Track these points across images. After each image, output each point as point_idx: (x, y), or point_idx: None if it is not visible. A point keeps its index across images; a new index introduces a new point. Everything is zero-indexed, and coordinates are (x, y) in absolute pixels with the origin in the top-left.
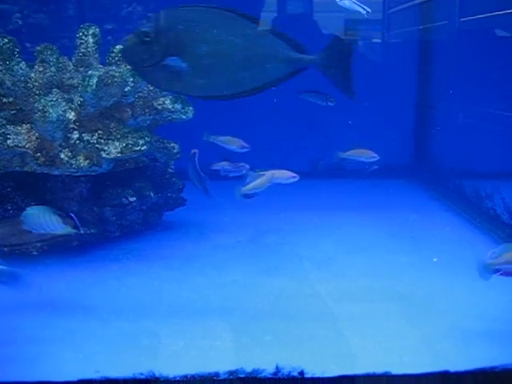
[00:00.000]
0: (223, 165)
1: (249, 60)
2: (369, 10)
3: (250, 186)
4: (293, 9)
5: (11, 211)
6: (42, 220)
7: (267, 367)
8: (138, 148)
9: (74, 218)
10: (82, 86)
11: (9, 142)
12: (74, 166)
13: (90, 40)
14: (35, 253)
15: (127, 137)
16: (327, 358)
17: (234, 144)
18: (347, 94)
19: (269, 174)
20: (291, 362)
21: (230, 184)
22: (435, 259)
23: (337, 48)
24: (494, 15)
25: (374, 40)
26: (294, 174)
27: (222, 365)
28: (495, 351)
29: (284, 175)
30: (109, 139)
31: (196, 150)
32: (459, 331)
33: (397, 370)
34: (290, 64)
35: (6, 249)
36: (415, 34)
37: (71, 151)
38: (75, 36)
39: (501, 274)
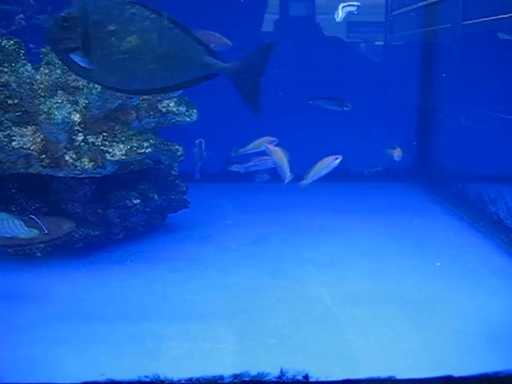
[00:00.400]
0: (238, 166)
1: (162, 59)
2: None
3: (309, 176)
4: (295, 11)
5: (15, 212)
6: (6, 224)
7: (272, 371)
8: (142, 150)
9: (36, 219)
10: (88, 88)
11: (14, 143)
12: (78, 167)
13: None
14: (39, 254)
15: (132, 139)
16: (331, 361)
17: (263, 144)
18: (251, 109)
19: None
20: (295, 365)
21: (233, 186)
22: (438, 263)
23: (251, 61)
24: (497, 19)
25: (377, 42)
26: (337, 156)
27: (226, 368)
28: (499, 356)
29: (330, 160)
30: (113, 141)
31: (202, 140)
32: (463, 335)
33: (401, 374)
34: (203, 68)
35: (10, 250)
36: (418, 36)
37: (76, 153)
38: None
39: None
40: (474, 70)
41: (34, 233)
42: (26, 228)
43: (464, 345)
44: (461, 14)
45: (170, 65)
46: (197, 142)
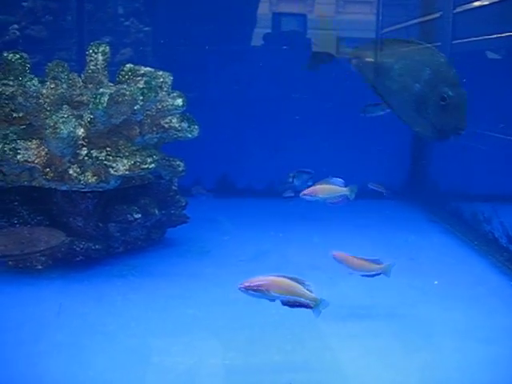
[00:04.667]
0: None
1: None
2: None
3: None
4: (286, 26)
5: (17, 225)
6: None
7: None
8: (146, 166)
9: None
10: (93, 103)
11: (19, 156)
12: (82, 182)
13: (100, 57)
14: (39, 267)
15: (135, 154)
16: (336, 380)
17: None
18: None
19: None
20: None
21: (231, 202)
22: (436, 282)
23: None
24: (485, 38)
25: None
26: None
27: None
28: (498, 376)
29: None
30: (117, 156)
31: None
32: (462, 354)
33: None
34: None
35: (10, 262)
36: None
37: (80, 167)
38: (72, 48)
39: None
40: (466, 89)
41: None
42: None
43: (464, 364)
44: (451, 33)
45: None
46: None
